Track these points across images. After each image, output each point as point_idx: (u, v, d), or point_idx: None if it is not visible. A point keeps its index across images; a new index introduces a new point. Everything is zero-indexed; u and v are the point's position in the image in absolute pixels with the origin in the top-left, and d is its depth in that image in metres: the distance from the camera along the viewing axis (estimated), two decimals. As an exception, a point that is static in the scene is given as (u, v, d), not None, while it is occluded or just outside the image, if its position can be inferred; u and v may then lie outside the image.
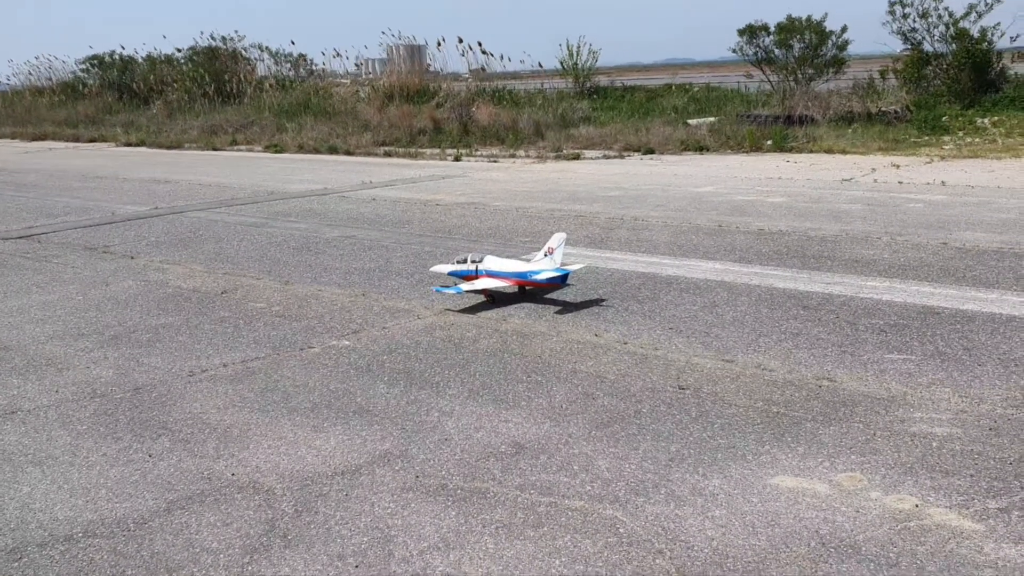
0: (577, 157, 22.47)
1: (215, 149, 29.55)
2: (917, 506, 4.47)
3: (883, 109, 24.00)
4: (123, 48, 47.16)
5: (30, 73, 50.09)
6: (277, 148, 28.10)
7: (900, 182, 15.61)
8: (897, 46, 26.63)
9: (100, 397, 6.51)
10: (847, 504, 4.52)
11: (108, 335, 8.08)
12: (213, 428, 5.85)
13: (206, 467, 5.26)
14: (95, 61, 47.50)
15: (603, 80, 33.78)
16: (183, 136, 32.20)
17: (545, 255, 8.42)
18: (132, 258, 11.52)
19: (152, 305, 9.08)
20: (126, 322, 8.49)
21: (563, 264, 8.45)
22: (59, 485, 5.11)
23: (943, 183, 15.24)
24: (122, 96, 43.37)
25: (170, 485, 5.04)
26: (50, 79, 49.04)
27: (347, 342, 7.61)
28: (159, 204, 16.53)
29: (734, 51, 30.22)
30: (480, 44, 35.19)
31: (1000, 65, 24.86)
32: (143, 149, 31.04)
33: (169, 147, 30.71)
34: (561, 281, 8.40)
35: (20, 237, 13.43)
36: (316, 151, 26.97)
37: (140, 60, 45.58)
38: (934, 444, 5.17)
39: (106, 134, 35.28)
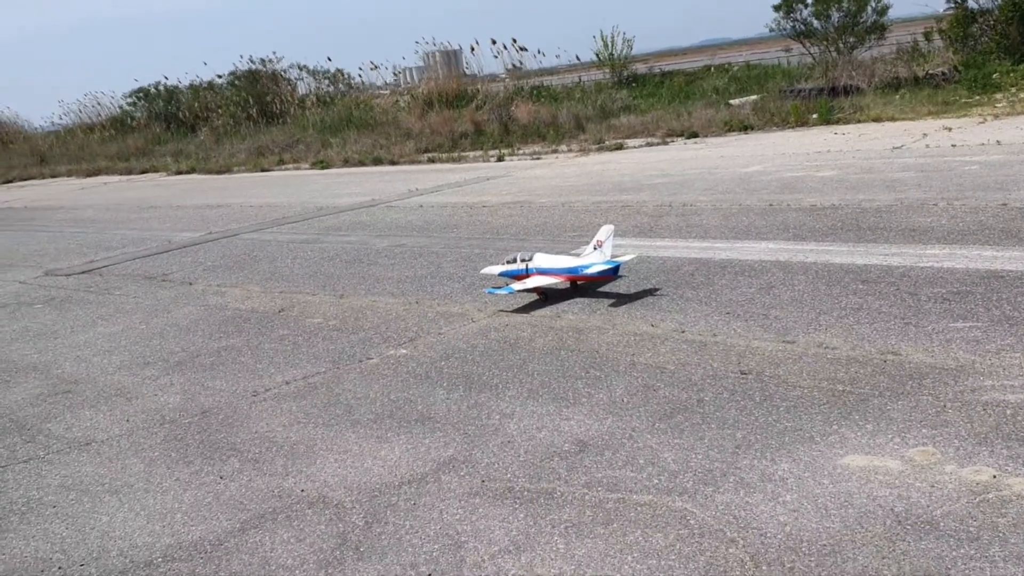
0: (620, 147, 22.34)
1: (263, 170, 30.01)
2: (995, 477, 4.36)
3: (930, 72, 23.42)
4: (167, 79, 48.16)
5: (80, 111, 51.51)
6: (323, 164, 28.44)
7: (953, 145, 15.23)
8: (940, 5, 25.99)
9: (169, 423, 6.65)
10: (921, 479, 4.42)
11: (173, 361, 8.25)
12: (280, 446, 5.94)
13: (276, 485, 5.34)
14: (141, 94, 48.58)
15: (640, 68, 33.56)
16: (231, 160, 32.77)
17: (594, 248, 8.38)
18: (190, 284, 11.75)
19: (213, 329, 9.25)
20: (189, 347, 8.66)
21: (613, 256, 8.40)
22: (136, 512, 5.23)
23: (998, 142, 14.82)
24: (169, 126, 44.32)
25: (242, 505, 5.13)
26: (99, 115, 50.35)
27: (404, 351, 7.66)
28: (212, 229, 16.84)
29: (771, 28, 29.75)
30: (515, 41, 35.22)
31: (1051, 14, 24.05)
32: (193, 176, 31.65)
33: (218, 172, 31.28)
34: (612, 273, 8.36)
35: (82, 272, 13.78)
36: (361, 163, 27.23)
37: (184, 89, 46.52)
38: (1008, 412, 5.03)
39: (157, 164, 36.08)
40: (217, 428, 6.42)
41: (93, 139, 46.03)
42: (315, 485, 5.27)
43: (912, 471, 4.52)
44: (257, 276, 11.71)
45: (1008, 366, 5.66)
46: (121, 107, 49.57)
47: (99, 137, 46.05)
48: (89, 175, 38.12)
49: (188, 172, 32.86)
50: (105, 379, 8.00)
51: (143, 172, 35.55)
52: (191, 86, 46.24)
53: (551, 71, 35.92)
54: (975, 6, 24.79)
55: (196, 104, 43.74)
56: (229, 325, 9.33)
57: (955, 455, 4.62)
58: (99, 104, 50.74)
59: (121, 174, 36.36)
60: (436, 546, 4.41)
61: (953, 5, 25.37)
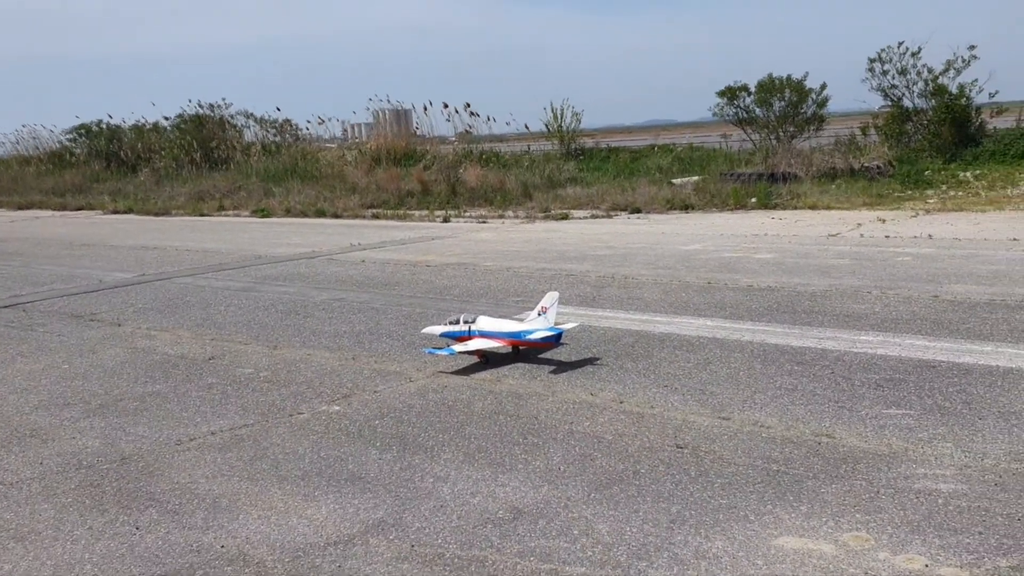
0: (565, 217, 22.58)
1: (203, 215, 29.58)
2: (927, 566, 4.36)
3: (866, 165, 24.28)
4: (111, 117, 47.43)
5: (16, 142, 50.29)
6: (264, 212, 28.14)
7: (887, 236, 15.71)
8: (877, 103, 27.03)
9: (86, 468, 6.35)
10: (855, 565, 4.41)
11: (94, 404, 7.93)
12: (201, 498, 5.70)
13: (195, 539, 5.10)
14: (82, 130, 47.72)
15: (588, 142, 34.13)
16: (171, 203, 32.27)
17: (539, 314, 8.36)
18: (119, 325, 11.39)
19: (139, 373, 8.95)
20: (112, 391, 8.34)
21: (556, 323, 8.38)
22: (42, 561, 4.94)
23: (930, 236, 15.33)
24: (109, 164, 43.54)
25: (158, 559, 4.88)
26: (36, 148, 49.23)
27: (337, 407, 7.48)
28: (146, 271, 16.44)
29: (714, 113, 30.60)
30: (468, 106, 35.58)
31: (980, 120, 25.23)
32: (131, 216, 31.03)
33: (157, 214, 30.72)
34: (555, 340, 8.33)
35: (5, 306, 13.28)
36: (303, 214, 27.02)
37: (127, 129, 45.86)
38: (940, 501, 5.07)
39: (94, 202, 35.31)
40: (136, 476, 6.14)
41: (28, 172, 44.92)
42: (236, 541, 5.05)
43: (846, 556, 4.51)
44: (189, 321, 11.41)
45: (940, 455, 5.74)
46: (60, 142, 48.62)
47: (35, 171, 44.96)
48: (21, 208, 37.12)
49: (125, 212, 32.20)
50: (20, 419, 7.64)
51: (79, 209, 34.74)
52: (135, 126, 45.63)
53: (500, 138, 36.32)
54: (910, 105, 25.87)
55: (139, 144, 43.14)
56: (156, 370, 9.03)
57: (888, 542, 4.63)
58: (36, 137, 49.68)
59: (55, 209, 35.48)
60: (360, 612, 4.24)
61: (889, 103, 26.45)
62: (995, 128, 25.45)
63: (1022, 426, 6.18)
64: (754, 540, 4.72)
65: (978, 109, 25.22)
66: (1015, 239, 14.52)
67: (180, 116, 42.68)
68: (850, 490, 5.28)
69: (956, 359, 7.86)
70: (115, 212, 32.60)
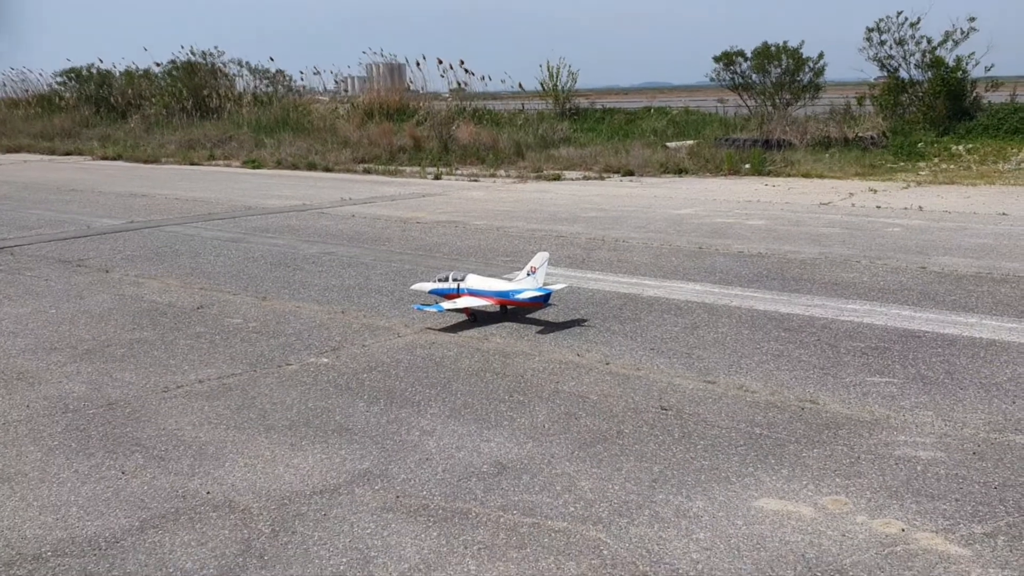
0: (558, 178, 22.50)
1: (193, 164, 29.34)
2: (903, 530, 4.44)
3: (860, 135, 24.24)
4: (101, 62, 46.75)
5: (4, 85, 49.67)
6: (255, 164, 27.95)
7: (878, 207, 15.73)
8: (873, 73, 26.93)
9: (72, 412, 6.36)
10: (833, 528, 4.48)
11: (81, 349, 7.93)
12: (188, 445, 5.73)
13: (180, 485, 5.14)
14: (72, 74, 47.10)
15: (583, 102, 33.90)
16: (160, 150, 31.98)
17: (528, 274, 8.36)
18: (107, 272, 11.35)
19: (127, 320, 8.93)
20: (100, 336, 8.34)
21: (545, 284, 8.39)
22: (28, 502, 4.97)
23: (920, 208, 15.37)
24: (99, 110, 43.04)
25: (143, 503, 4.92)
26: (26, 91, 48.64)
27: (326, 359, 7.51)
28: (135, 218, 16.34)
29: (711, 78, 30.42)
30: (462, 63, 35.24)
31: (975, 93, 25.17)
32: (120, 163, 30.75)
33: (146, 161, 30.46)
34: (543, 301, 8.34)
35: (-8, 249, 13.20)
36: (294, 167, 26.84)
37: (118, 74, 45.29)
38: (918, 468, 5.15)
39: (82, 147, 34.95)
40: (123, 421, 6.16)
41: (16, 115, 44.39)
42: (222, 488, 5.09)
43: (824, 519, 4.58)
44: (177, 270, 11.38)
45: (921, 423, 5.81)
46: (50, 86, 48.04)
47: (23, 114, 44.44)
48: (9, 151, 36.70)
49: (115, 158, 31.91)
50: (7, 361, 7.63)
51: (67, 154, 34.40)
52: (126, 71, 45.05)
53: (495, 95, 36.07)
54: (906, 77, 25.78)
55: (130, 90, 42.63)
56: (144, 317, 9.02)
57: (866, 506, 4.70)
58: (26, 80, 49.10)
59: (44, 153, 35.12)
60: (344, 559, 4.29)
61: (885, 74, 26.34)
62: (990, 102, 25.40)
63: (1002, 397, 6.26)
64: (734, 501, 4.79)
65: (974, 82, 25.15)
66: (1004, 213, 14.57)
67: (172, 63, 42.16)
68: (831, 455, 5.35)
69: (941, 330, 7.93)
70: (104, 158, 32.30)
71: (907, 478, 5.01)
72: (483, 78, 35.60)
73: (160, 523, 4.68)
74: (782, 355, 7.32)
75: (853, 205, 16.06)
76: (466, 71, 35.17)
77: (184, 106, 38.53)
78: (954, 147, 22.81)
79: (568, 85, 32.57)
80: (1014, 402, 6.16)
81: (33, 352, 7.89)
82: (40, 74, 49.01)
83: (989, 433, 5.64)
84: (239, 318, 8.92)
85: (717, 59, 29.65)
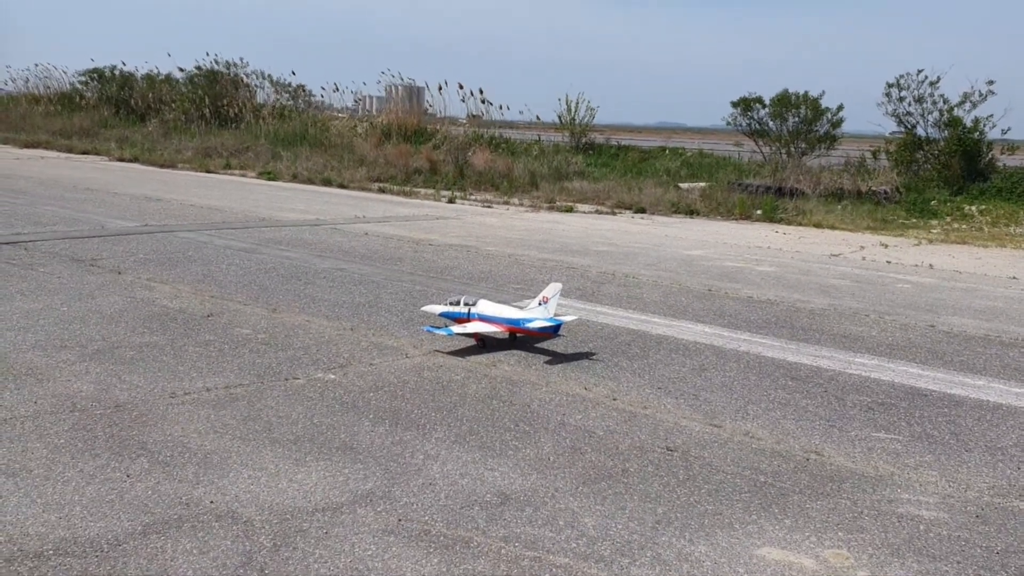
0: (570, 210, 22.60)
1: (208, 171, 29.51)
2: (904, 589, 4.43)
3: (873, 188, 24.34)
4: (124, 64, 47.24)
5: (27, 80, 50.17)
6: (271, 175, 28.10)
7: (888, 261, 15.77)
8: (890, 128, 27.11)
9: (80, 412, 6.38)
10: (834, 581, 4.47)
11: (91, 349, 7.96)
12: (193, 453, 5.74)
13: (184, 492, 5.14)
14: (95, 74, 47.57)
15: (598, 137, 34.13)
16: (177, 156, 32.18)
17: (540, 303, 8.40)
18: (119, 273, 11.40)
19: (137, 322, 8.97)
20: (110, 337, 8.37)
21: (556, 314, 8.43)
22: (32, 499, 4.98)
23: (931, 266, 15.40)
24: (119, 111, 43.42)
25: (147, 508, 4.92)
26: (47, 88, 49.12)
27: (333, 376, 7.52)
28: (149, 221, 16.43)
29: (728, 122, 30.65)
30: (481, 91, 35.53)
31: (990, 155, 25.31)
32: (136, 165, 30.94)
33: (162, 165, 30.66)
34: (553, 331, 8.37)
35: (6, 243, 13.27)
36: (310, 181, 26.99)
37: (140, 77, 45.71)
38: (921, 527, 5.14)
39: (100, 147, 35.19)
40: (129, 424, 6.18)
41: (37, 111, 44.78)
42: (225, 498, 5.09)
43: (826, 572, 4.57)
44: (189, 276, 11.43)
45: (925, 482, 5.81)
46: (72, 84, 48.50)
47: (44, 110, 44.85)
48: (27, 146, 36.95)
49: (131, 160, 32.11)
50: (17, 356, 7.66)
51: (84, 152, 34.63)
52: (148, 75, 45.47)
53: (511, 125, 36.31)
54: (923, 134, 25.93)
55: (151, 94, 43.01)
56: (154, 321, 9.05)
57: (868, 562, 4.69)
58: (49, 77, 49.59)
59: (61, 151, 35.34)
60: (344, 579, 4.29)
61: (903, 130, 26.50)
62: (1004, 165, 25.53)
63: (1007, 461, 6.25)
64: (736, 548, 4.79)
65: (990, 144, 25.31)
66: (1015, 277, 14.59)
67: (196, 70, 42.54)
68: (834, 508, 5.34)
69: (947, 390, 7.93)
70: (121, 160, 32.50)
71: (909, 536, 5.01)
72: (501, 107, 35.91)
73: (163, 529, 4.68)
74: (788, 404, 7.33)
75: (864, 258, 16.11)
76: (484, 100, 35.47)
77: (203, 113, 38.83)
78: (967, 207, 22.88)
79: (586, 119, 32.83)
80: (1019, 468, 6.16)
81: (43, 348, 7.92)
82: (64, 72, 49.52)
83: (993, 497, 5.63)
84: (248, 328, 8.95)
85: (735, 104, 29.92)
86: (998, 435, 6.81)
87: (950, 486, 5.78)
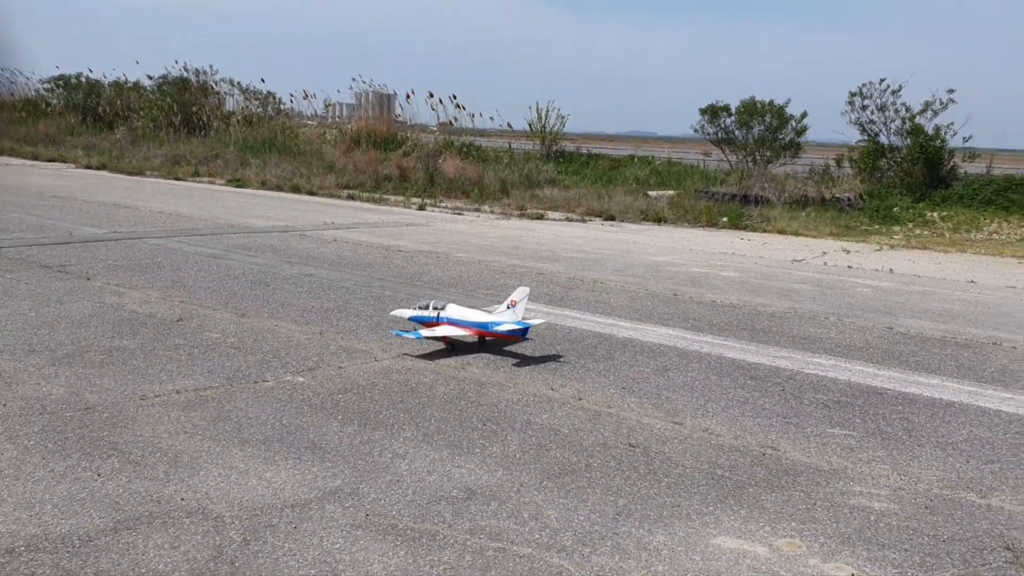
0: (541, 217, 22.80)
1: (177, 179, 29.39)
2: (853, 575, 4.62)
3: (836, 195, 24.75)
4: (91, 71, 46.89)
5: (-8, 85, 49.54)
6: (240, 183, 28.06)
7: (849, 266, 16.10)
8: (854, 136, 27.57)
9: (50, 414, 6.43)
10: (786, 569, 4.65)
11: (60, 353, 8.00)
12: (164, 452, 5.82)
13: (155, 490, 5.23)
14: (60, 81, 47.16)
15: (569, 145, 34.38)
16: (145, 163, 32.01)
17: (508, 307, 8.55)
18: (88, 279, 11.41)
19: (106, 327, 9.01)
20: (79, 342, 8.41)
21: (524, 318, 8.58)
22: (2, 498, 5.04)
23: (891, 270, 15.75)
24: (86, 118, 43.07)
25: (118, 505, 5.01)
26: (12, 94, 48.58)
27: (302, 378, 7.62)
28: (118, 228, 16.40)
29: (695, 130, 31.05)
30: (453, 97, 35.69)
31: (952, 163, 25.83)
32: (104, 173, 30.76)
33: (131, 173, 30.49)
34: (521, 334, 8.53)
35: (-27, 249, 13.21)
36: (279, 188, 26.98)
37: (107, 84, 45.41)
38: (871, 517, 5.34)
39: (66, 155, 34.93)
40: (100, 426, 6.24)
41: (2, 117, 44.28)
42: (196, 496, 5.19)
43: (778, 560, 4.75)
44: (158, 282, 11.46)
45: (877, 475, 6.02)
46: (37, 91, 48.05)
47: (7, 117, 44.34)
48: (-10, 153, 36.59)
49: (99, 168, 31.90)
50: (-15, 360, 7.69)
51: (51, 160, 34.34)
52: (115, 82, 45.19)
53: (482, 132, 36.47)
54: (885, 142, 26.43)
55: (118, 101, 42.72)
56: (124, 326, 9.09)
57: (819, 550, 4.88)
58: (13, 83, 49.06)
59: (26, 158, 35.04)
60: (313, 571, 4.40)
61: (866, 138, 26.99)
62: (966, 172, 26.06)
63: (957, 456, 6.48)
64: (693, 537, 4.96)
65: (951, 152, 25.81)
66: (973, 281, 14.96)
67: (164, 77, 42.32)
68: (788, 500, 5.53)
69: (902, 388, 8.18)
70: (88, 167, 32.28)
71: (860, 526, 5.21)
72: (473, 114, 36.07)
73: (134, 525, 4.77)
74: (747, 402, 7.53)
75: (825, 264, 16.43)
76: (457, 106, 35.64)
77: (172, 121, 38.62)
78: (929, 214, 23.36)
79: (556, 127, 33.07)
80: (968, 461, 6.39)
81: (11, 353, 7.95)
82: (28, 78, 49.04)
83: (942, 489, 5.85)
84: (218, 333, 9.01)
85: (703, 111, 30.29)
86: (949, 431, 7.05)
87: (901, 479, 5.99)
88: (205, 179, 29.58)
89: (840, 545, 4.96)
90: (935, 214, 23.32)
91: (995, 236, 21.24)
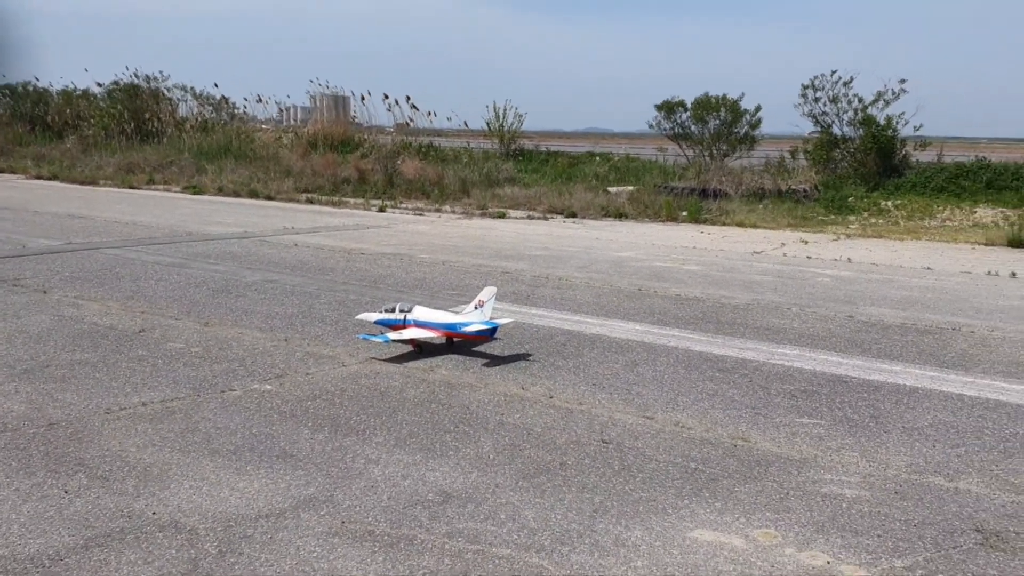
0: (503, 216, 22.79)
1: (132, 187, 28.95)
2: (828, 563, 4.68)
3: (793, 187, 25.03)
4: (37, 80, 45.97)
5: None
6: (196, 189, 27.70)
7: (808, 257, 16.30)
8: (808, 128, 27.88)
9: (11, 431, 6.30)
10: (763, 559, 4.70)
11: (20, 369, 7.83)
12: (132, 467, 5.73)
13: (126, 505, 5.14)
14: (6, 91, 46.17)
15: (527, 143, 34.40)
16: (98, 172, 31.47)
17: (476, 307, 8.53)
18: (45, 292, 11.19)
19: (66, 341, 8.84)
20: (39, 356, 8.24)
21: (492, 318, 8.57)
22: (-33, 519, 4.93)
23: (849, 260, 15.97)
24: (34, 128, 42.22)
25: (87, 522, 4.91)
26: (-47, 105, 47.45)
27: (270, 386, 7.54)
28: (73, 239, 16.11)
29: (651, 125, 31.22)
30: (408, 98, 35.53)
31: (904, 152, 26.23)
32: (55, 183, 30.21)
33: (83, 182, 29.97)
34: (490, 334, 8.51)
35: (-77, 265, 12.90)
36: (236, 194, 26.69)
37: (55, 93, 44.57)
38: (844, 505, 5.41)
39: (15, 165, 34.23)
40: (65, 442, 6.12)
41: (-57, 128, 43.24)
42: (167, 509, 5.11)
43: (755, 550, 4.80)
44: (118, 293, 11.28)
45: (847, 463, 6.10)
46: (-20, 101, 46.97)
47: (-51, 128, 43.31)
48: (-65, 166, 35.73)
49: (50, 178, 31.31)
50: (-59, 379, 7.51)
51: (-1, 171, 33.66)
52: (64, 91, 44.38)
53: (440, 132, 36.35)
54: (839, 133, 26.78)
55: (68, 110, 41.95)
56: (84, 339, 8.93)
57: (795, 539, 4.94)
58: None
59: (-27, 170, 34.30)
60: (291, 581, 4.36)
61: (819, 130, 27.32)
62: (918, 161, 26.48)
63: (923, 441, 6.59)
64: (670, 531, 4.99)
65: (903, 141, 26.20)
66: (929, 268, 15.22)
67: (115, 84, 41.63)
68: (762, 490, 5.59)
69: (867, 376, 8.30)
70: (39, 177, 31.69)
71: (833, 514, 5.27)
72: (429, 114, 35.95)
73: (105, 542, 4.69)
74: (716, 394, 7.60)
75: (785, 255, 16.62)
76: (413, 107, 35.50)
77: (124, 129, 38.00)
78: (883, 202, 23.71)
79: (514, 126, 33.07)
80: (934, 446, 6.50)
81: (-31, 370, 7.77)
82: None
83: (910, 474, 5.95)
84: (181, 343, 8.89)
85: (659, 107, 30.46)
86: (914, 416, 7.17)
87: (870, 466, 6.08)
88: (160, 187, 29.16)
89: (815, 533, 5.01)
90: (889, 203, 23.67)
91: (948, 223, 21.62)
